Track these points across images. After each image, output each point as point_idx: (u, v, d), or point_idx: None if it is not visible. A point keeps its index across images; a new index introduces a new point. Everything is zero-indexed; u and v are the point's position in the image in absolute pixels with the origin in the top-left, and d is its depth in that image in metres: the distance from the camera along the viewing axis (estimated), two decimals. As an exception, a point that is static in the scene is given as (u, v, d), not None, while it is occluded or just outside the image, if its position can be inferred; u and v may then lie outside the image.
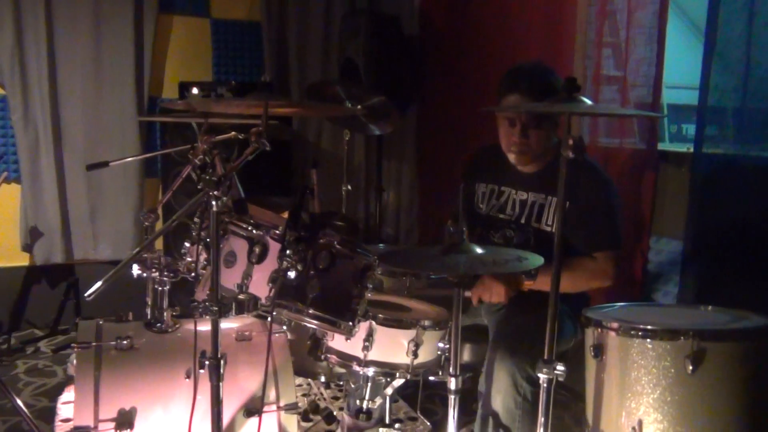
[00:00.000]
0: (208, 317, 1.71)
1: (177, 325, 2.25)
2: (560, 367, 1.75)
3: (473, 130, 4.01)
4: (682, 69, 3.51)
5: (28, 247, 4.07)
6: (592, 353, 1.90)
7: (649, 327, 1.82)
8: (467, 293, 2.25)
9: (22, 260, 4.12)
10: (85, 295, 1.58)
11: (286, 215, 2.69)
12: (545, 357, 1.77)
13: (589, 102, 1.75)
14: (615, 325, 1.87)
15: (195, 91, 4.02)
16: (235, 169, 1.72)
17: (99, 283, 1.56)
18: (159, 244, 4.22)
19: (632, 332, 1.83)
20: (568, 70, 3.28)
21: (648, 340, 1.80)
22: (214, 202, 1.64)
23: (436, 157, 4.55)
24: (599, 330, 1.90)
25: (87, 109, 4.10)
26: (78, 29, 4.03)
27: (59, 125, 4.05)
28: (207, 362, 1.72)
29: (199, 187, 1.66)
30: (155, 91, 4.33)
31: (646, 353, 1.79)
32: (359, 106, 3.20)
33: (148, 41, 4.21)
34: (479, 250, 1.86)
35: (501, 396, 2.14)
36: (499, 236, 2.55)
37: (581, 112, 2.38)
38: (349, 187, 3.33)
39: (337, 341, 2.15)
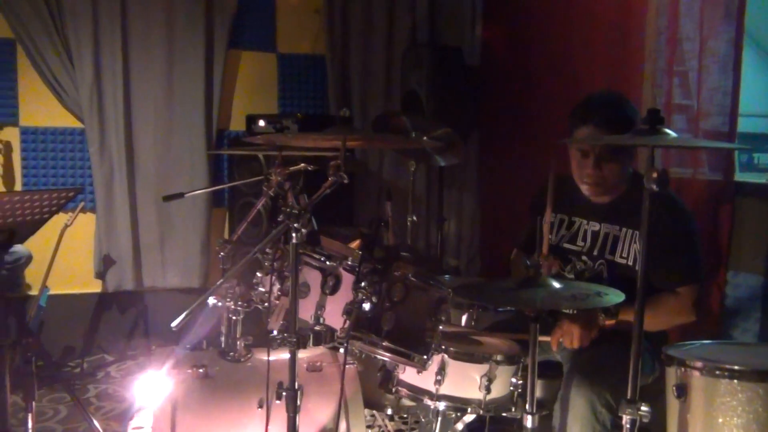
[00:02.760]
0: (285, 348, 1.72)
1: (249, 355, 2.28)
2: (645, 408, 1.69)
3: (536, 161, 3.97)
4: (752, 97, 3.40)
5: (100, 275, 4.22)
6: (675, 393, 1.83)
7: (736, 367, 1.74)
8: (545, 338, 2.20)
9: (95, 287, 4.27)
10: (171, 325, 1.62)
11: (354, 245, 2.72)
12: (628, 396, 1.71)
13: (673, 134, 1.71)
14: (699, 364, 1.79)
15: (262, 123, 4.13)
16: (314, 202, 1.75)
17: (184, 314, 1.59)
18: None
19: (718, 372, 1.75)
20: (637, 99, 3.23)
21: (736, 381, 1.72)
22: (294, 234, 1.67)
23: (497, 187, 4.52)
24: (682, 369, 1.83)
25: (159, 142, 4.26)
26: (152, 65, 4.21)
27: (133, 157, 4.22)
28: (284, 393, 1.73)
29: (279, 219, 1.69)
30: (223, 124, 4.47)
31: (735, 395, 1.71)
32: (425, 138, 3.22)
33: (218, 76, 4.35)
34: (557, 285, 1.83)
35: (579, 425, 2.08)
36: (570, 268, 2.50)
37: (666, 145, 2.31)
38: (415, 218, 3.33)
39: (408, 374, 2.13)
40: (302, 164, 2.81)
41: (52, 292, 3.87)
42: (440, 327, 1.98)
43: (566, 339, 2.23)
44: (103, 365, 4.08)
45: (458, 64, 4.34)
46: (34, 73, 4.03)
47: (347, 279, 2.03)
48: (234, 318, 2.30)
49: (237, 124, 4.48)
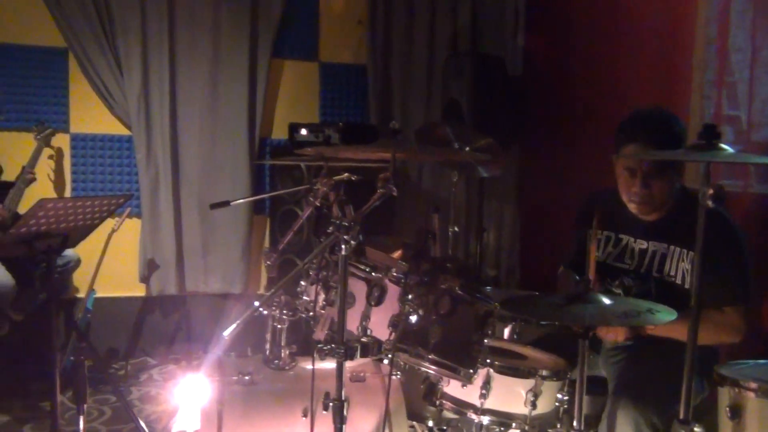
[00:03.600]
0: (333, 359, 1.73)
1: (294, 363, 2.30)
2: (698, 429, 1.65)
3: (579, 173, 3.93)
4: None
5: (145, 279, 4.30)
6: (729, 414, 1.79)
7: (794, 390, 1.69)
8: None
9: (139, 291, 4.36)
10: (223, 333, 1.64)
11: (396, 255, 2.72)
12: (681, 416, 1.68)
13: (729, 149, 1.67)
14: (754, 385, 1.75)
15: (304, 132, 4.17)
16: (364, 214, 1.76)
17: (235, 324, 1.61)
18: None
19: (775, 394, 1.71)
20: (684, 110, 3.17)
21: (793, 403, 1.68)
22: (343, 246, 1.68)
23: (538, 198, 4.49)
24: (736, 390, 1.79)
25: (203, 149, 4.33)
26: (197, 74, 4.29)
27: (178, 164, 4.29)
28: (331, 404, 1.74)
29: (329, 230, 1.70)
30: (265, 132, 4.53)
31: (792, 418, 1.67)
32: (468, 148, 3.21)
33: (261, 85, 4.41)
34: (607, 301, 1.80)
35: (624, 444, 2.05)
36: (617, 285, 2.46)
37: (724, 161, 2.26)
38: (456, 229, 3.33)
39: (452, 387, 2.13)
40: (346, 174, 2.82)
41: (98, 294, 3.97)
42: (486, 341, 1.96)
43: (609, 334, 2.21)
44: (146, 368, 4.15)
45: (500, 73, 4.32)
46: (85, 81, 4.14)
47: (392, 290, 2.04)
48: (279, 326, 2.33)
49: (279, 133, 4.53)
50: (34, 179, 3.74)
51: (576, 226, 2.59)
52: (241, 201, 3.60)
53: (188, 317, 4.44)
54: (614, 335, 2.18)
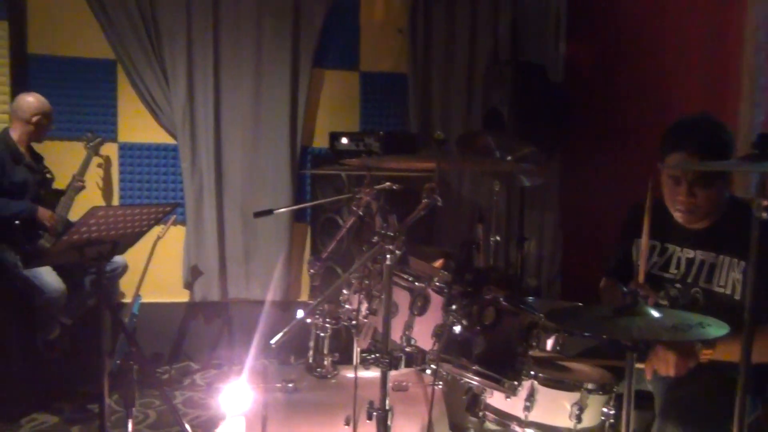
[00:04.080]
0: (378, 368, 1.74)
1: (336, 371, 2.31)
2: (752, 449, 1.60)
3: (624, 182, 3.87)
4: None
5: (188, 285, 4.39)
6: (784, 432, 1.73)
7: None
8: (639, 365, 2.13)
9: (183, 296, 4.44)
10: (271, 342, 1.66)
11: (437, 264, 2.72)
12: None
13: (786, 159, 1.62)
14: (811, 402, 1.69)
15: (344, 141, 4.20)
16: (409, 224, 1.77)
17: (282, 333, 1.63)
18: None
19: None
20: (733, 117, 3.10)
21: None
22: (388, 256, 1.69)
23: (581, 207, 4.42)
24: (792, 407, 1.73)
25: (246, 158, 4.41)
26: (240, 85, 4.37)
27: (221, 173, 4.38)
28: (375, 413, 1.74)
29: (373, 240, 1.71)
30: (307, 141, 4.58)
31: None
32: (509, 157, 3.19)
33: (302, 95, 4.47)
34: (656, 314, 1.77)
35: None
36: (663, 295, 2.41)
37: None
38: (498, 238, 3.30)
39: (496, 398, 2.11)
40: (388, 183, 2.83)
41: (143, 300, 4.06)
42: (530, 352, 1.94)
43: (661, 367, 2.14)
44: (189, 372, 4.22)
45: (541, 81, 4.29)
46: (132, 92, 4.26)
47: (435, 300, 2.04)
48: (322, 335, 2.34)
49: (320, 141, 4.58)
50: (83, 187, 3.85)
51: (621, 236, 2.54)
52: (284, 210, 3.64)
53: (230, 323, 4.51)
54: (665, 367, 2.11)
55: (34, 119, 3.63)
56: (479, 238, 1.95)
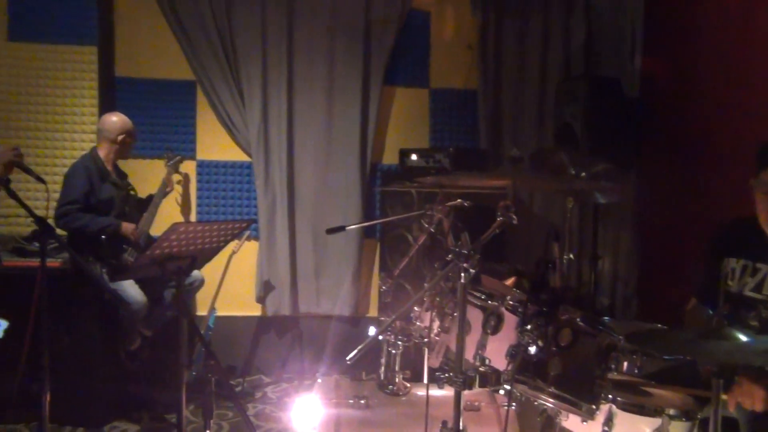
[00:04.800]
0: (451, 387, 1.72)
1: (407, 389, 2.30)
2: None
3: (704, 198, 3.72)
4: None
5: (261, 299, 4.48)
6: None
7: None
8: (722, 396, 2.02)
9: (256, 310, 4.54)
10: (346, 359, 1.67)
11: (509, 282, 2.68)
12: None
13: None
14: None
15: (414, 157, 4.22)
16: (484, 242, 1.75)
17: (357, 350, 1.64)
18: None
19: None
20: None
21: None
22: (462, 274, 1.68)
23: (659, 224, 4.27)
24: None
25: (317, 175, 4.48)
26: (313, 103, 4.46)
27: (293, 189, 4.47)
28: (448, 433, 1.73)
29: (448, 258, 1.71)
30: (376, 157, 4.62)
31: None
32: (584, 174, 3.12)
33: (373, 112, 4.52)
34: (744, 338, 1.68)
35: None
36: (753, 317, 2.29)
37: None
38: (572, 256, 3.22)
39: (572, 421, 2.04)
40: (459, 200, 2.82)
41: (217, 313, 4.18)
42: (609, 375, 1.88)
43: (746, 400, 2.03)
44: (261, 385, 4.30)
45: (616, 95, 4.19)
46: (210, 111, 4.42)
47: (509, 319, 2.01)
48: (393, 351, 2.35)
49: (390, 158, 4.61)
50: (171, 191, 4.06)
51: (708, 255, 2.44)
52: (356, 226, 3.68)
53: (301, 338, 4.58)
54: (750, 401, 2.00)
55: (119, 138, 3.81)
56: (555, 257, 1.91)
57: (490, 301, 2.04)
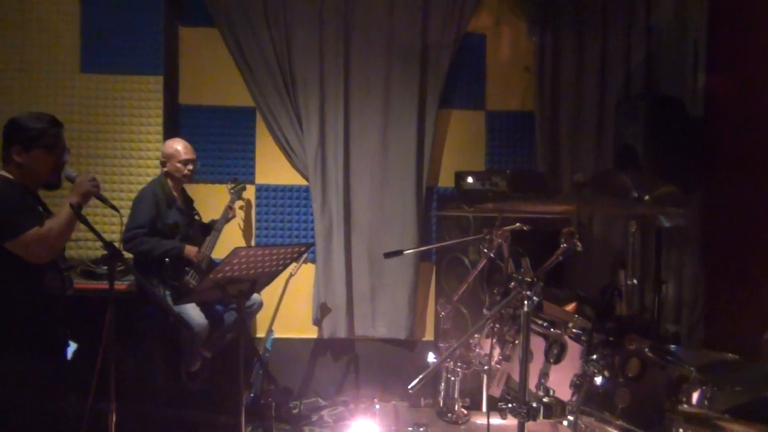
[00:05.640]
0: (515, 418, 1.69)
1: (467, 417, 2.27)
2: None
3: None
4: None
5: (317, 321, 4.51)
6: None
7: None
8: None
9: (312, 333, 4.57)
10: (408, 387, 1.66)
11: (569, 308, 2.62)
12: None
13: None
14: None
15: (470, 180, 4.19)
16: (547, 269, 1.72)
17: (419, 378, 1.63)
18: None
19: None
20: None
21: None
22: (526, 302, 1.65)
23: (726, 249, 4.11)
24: None
25: (373, 198, 4.51)
26: (369, 127, 4.50)
27: (350, 212, 4.51)
28: (511, 465, 1.69)
29: (510, 286, 1.68)
30: (432, 180, 4.62)
31: None
32: (647, 197, 3.04)
33: (429, 135, 4.53)
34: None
35: None
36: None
37: None
38: (635, 281, 3.13)
39: (640, 456, 1.97)
40: (518, 224, 2.79)
41: (275, 335, 4.22)
42: (680, 408, 1.81)
43: None
44: (317, 408, 4.31)
45: (679, 115, 4.07)
46: (269, 136, 4.52)
47: (572, 348, 1.97)
48: (452, 378, 2.32)
49: (445, 181, 4.60)
50: (233, 217, 4.16)
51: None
52: (414, 250, 3.67)
53: (356, 361, 4.58)
54: None
55: (181, 164, 3.93)
56: (621, 284, 1.86)
57: (552, 329, 2.00)
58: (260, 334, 4.29)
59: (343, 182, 4.48)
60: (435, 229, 4.58)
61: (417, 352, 4.55)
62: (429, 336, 4.54)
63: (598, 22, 4.55)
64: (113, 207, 2.69)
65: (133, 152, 4.30)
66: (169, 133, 4.32)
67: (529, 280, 1.64)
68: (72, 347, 2.80)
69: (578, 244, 1.75)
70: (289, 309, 4.38)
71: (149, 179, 4.08)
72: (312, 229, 4.54)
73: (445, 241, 4.24)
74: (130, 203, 3.92)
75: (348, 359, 4.60)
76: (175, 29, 4.46)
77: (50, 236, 2.47)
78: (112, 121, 4.29)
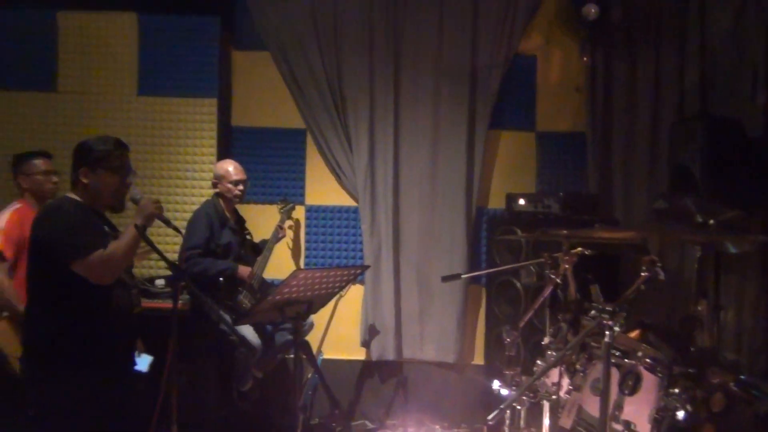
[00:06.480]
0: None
1: (534, 447, 2.21)
2: None
3: None
4: None
5: (365, 343, 4.49)
6: None
7: None
8: None
9: (360, 355, 4.55)
10: (488, 418, 1.62)
11: (633, 335, 2.55)
12: None
13: None
14: None
15: (522, 202, 4.15)
16: (629, 299, 1.67)
17: (499, 410, 1.59)
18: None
19: None
20: None
21: None
22: (607, 333, 1.60)
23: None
24: None
25: (422, 219, 4.49)
26: (418, 148, 4.49)
27: (398, 233, 4.49)
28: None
29: (591, 314, 1.64)
30: (482, 202, 4.58)
31: None
32: (711, 221, 2.95)
33: (478, 156, 4.50)
34: None
35: None
36: None
37: None
38: (700, 308, 3.03)
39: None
40: (579, 248, 2.73)
41: (323, 357, 4.21)
42: (766, 445, 1.73)
43: None
44: (366, 431, 4.27)
45: (737, 137, 3.96)
46: (319, 158, 4.56)
47: (648, 379, 1.90)
48: (518, 407, 2.27)
49: (495, 203, 4.56)
50: (283, 237, 4.19)
51: None
52: (473, 274, 3.62)
53: (405, 383, 4.53)
54: None
55: (232, 185, 3.97)
56: (703, 315, 1.80)
57: (626, 359, 1.94)
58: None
59: (393, 203, 4.47)
60: (485, 251, 4.53)
61: (466, 376, 4.48)
62: (478, 360, 4.47)
63: (650, 42, 4.48)
64: (175, 228, 2.72)
65: (188, 173, 4.37)
66: (222, 154, 4.39)
67: (611, 310, 1.60)
68: (147, 359, 2.83)
69: (661, 272, 1.70)
70: (338, 330, 4.37)
71: (202, 200, 4.14)
72: (361, 249, 4.54)
73: (496, 263, 4.18)
74: (184, 223, 3.97)
75: (396, 382, 4.55)
76: (229, 53, 4.54)
77: (113, 258, 2.50)
78: (167, 143, 4.37)
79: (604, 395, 1.63)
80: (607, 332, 1.61)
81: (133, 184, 2.67)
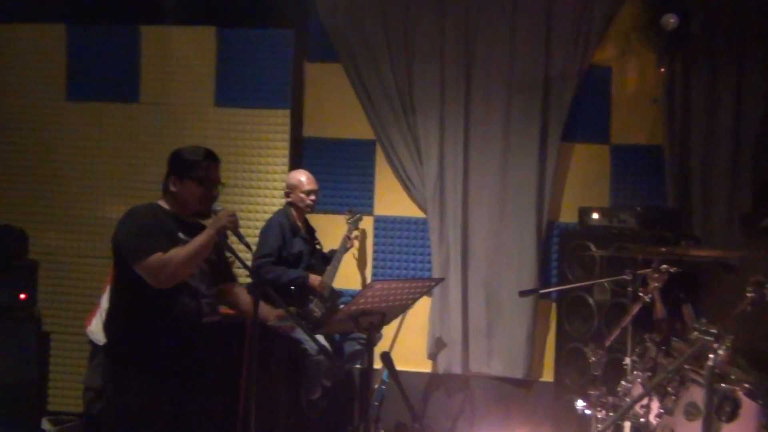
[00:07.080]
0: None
1: (620, 472, 2.14)
2: None
3: None
4: None
5: (432, 356, 4.45)
6: None
7: None
8: None
9: (426, 367, 4.51)
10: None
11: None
12: None
13: None
14: None
15: (595, 216, 4.05)
16: (735, 320, 1.60)
17: (604, 425, 1.54)
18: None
19: None
20: None
21: None
22: (711, 356, 1.53)
23: None
24: None
25: (491, 232, 4.43)
26: (489, 160, 4.44)
27: (467, 246, 4.44)
28: None
29: (693, 336, 1.57)
30: (553, 215, 4.48)
31: None
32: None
33: (550, 169, 4.41)
34: None
35: None
36: None
37: None
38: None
39: None
40: (664, 266, 2.64)
41: (389, 369, 4.18)
42: None
43: None
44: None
45: (828, 151, 3.78)
46: (388, 168, 4.56)
47: (748, 406, 1.81)
48: (599, 427, 2.20)
49: (567, 216, 4.45)
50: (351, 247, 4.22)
51: None
52: (551, 290, 3.55)
53: (471, 398, 4.47)
54: None
55: (304, 194, 4.02)
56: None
57: (723, 384, 1.85)
58: (377, 366, 4.26)
59: (462, 215, 4.43)
60: (556, 266, 4.43)
61: (534, 393, 4.39)
62: (547, 377, 4.37)
63: (732, 52, 4.32)
64: (247, 245, 2.72)
65: (261, 183, 4.46)
66: (294, 164, 4.45)
67: (716, 332, 1.53)
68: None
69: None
70: (405, 342, 4.35)
71: (275, 209, 4.20)
72: (429, 261, 4.51)
73: (567, 278, 4.09)
74: (256, 231, 4.04)
75: (462, 396, 4.49)
76: (302, 65, 4.61)
77: (171, 263, 2.48)
78: (242, 153, 4.47)
79: (706, 422, 1.56)
80: (711, 355, 1.54)
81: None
